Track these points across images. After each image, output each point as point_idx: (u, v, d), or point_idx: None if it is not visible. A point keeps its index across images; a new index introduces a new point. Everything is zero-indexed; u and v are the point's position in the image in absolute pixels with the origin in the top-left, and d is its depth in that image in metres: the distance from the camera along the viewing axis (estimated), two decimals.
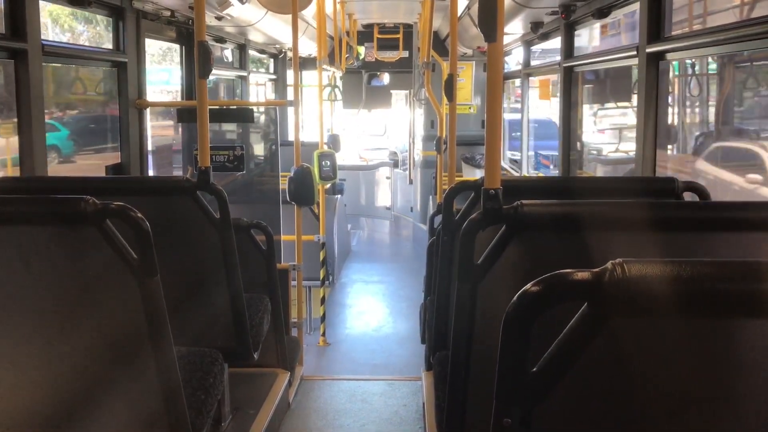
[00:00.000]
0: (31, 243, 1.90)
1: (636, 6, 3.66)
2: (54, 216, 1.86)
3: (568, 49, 5.14)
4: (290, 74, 9.35)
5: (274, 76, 9.35)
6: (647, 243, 1.81)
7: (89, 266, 1.91)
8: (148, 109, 4.51)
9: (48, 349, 1.96)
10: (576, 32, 5.12)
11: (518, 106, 7.50)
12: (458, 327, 1.95)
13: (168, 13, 4.67)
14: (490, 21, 1.72)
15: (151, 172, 4.78)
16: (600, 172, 5.90)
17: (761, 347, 1.12)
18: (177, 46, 5.41)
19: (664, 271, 1.01)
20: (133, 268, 1.85)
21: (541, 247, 1.86)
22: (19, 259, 1.89)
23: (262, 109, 6.10)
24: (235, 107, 5.45)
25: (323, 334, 6.08)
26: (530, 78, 7.15)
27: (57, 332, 1.95)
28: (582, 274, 1.04)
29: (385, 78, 10.49)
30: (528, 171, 7.14)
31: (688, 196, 2.38)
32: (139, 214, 1.84)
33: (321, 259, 6.12)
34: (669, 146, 4.61)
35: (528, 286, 1.07)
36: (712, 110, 4.53)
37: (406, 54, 9.86)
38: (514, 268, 1.82)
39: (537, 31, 5.70)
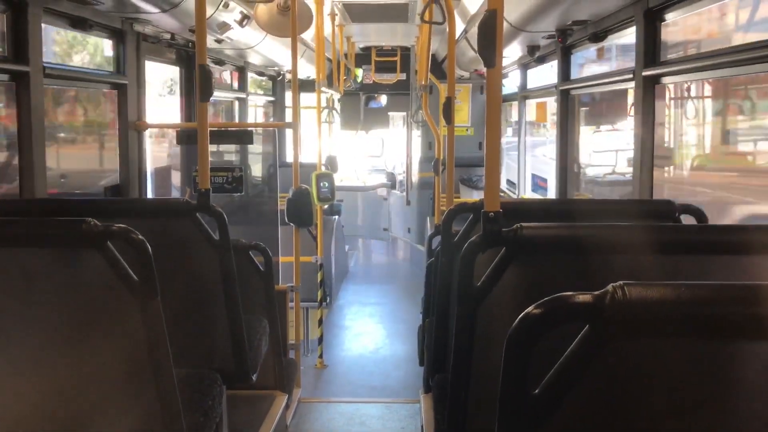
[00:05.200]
0: (33, 265, 1.90)
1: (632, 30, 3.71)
2: (56, 238, 1.86)
3: (565, 73, 5.19)
4: (288, 96, 9.40)
5: (272, 98, 9.41)
6: (646, 266, 1.82)
7: (90, 288, 1.91)
8: (147, 131, 4.53)
9: (49, 369, 1.96)
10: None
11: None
12: (458, 349, 1.95)
13: (168, 36, 4.71)
14: (489, 47, 1.74)
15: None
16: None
17: (762, 370, 1.12)
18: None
19: (664, 293, 1.02)
20: (134, 290, 1.85)
21: (541, 270, 1.87)
22: (21, 281, 1.90)
23: (260, 130, 6.12)
24: (234, 129, 5.46)
25: (321, 356, 6.05)
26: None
27: (58, 353, 1.95)
28: (584, 297, 1.05)
29: (383, 100, 10.57)
30: (525, 193, 7.16)
31: (686, 219, 2.39)
32: (141, 236, 1.84)
33: (319, 280, 6.11)
34: None
35: (530, 308, 1.08)
36: None
37: (403, 76, 9.95)
38: (513, 290, 1.82)
39: (533, 55, 5.75)
